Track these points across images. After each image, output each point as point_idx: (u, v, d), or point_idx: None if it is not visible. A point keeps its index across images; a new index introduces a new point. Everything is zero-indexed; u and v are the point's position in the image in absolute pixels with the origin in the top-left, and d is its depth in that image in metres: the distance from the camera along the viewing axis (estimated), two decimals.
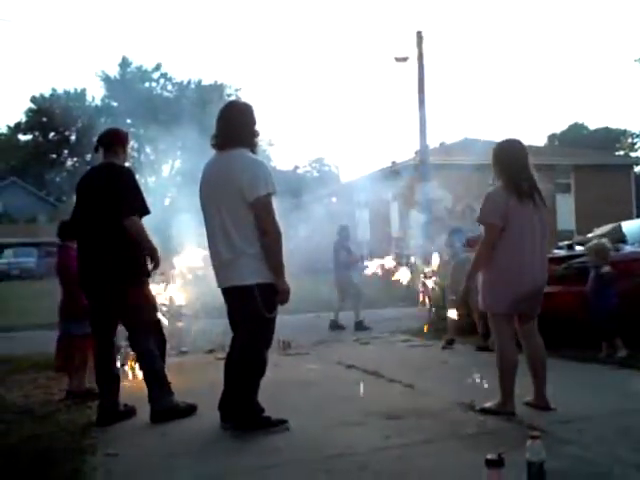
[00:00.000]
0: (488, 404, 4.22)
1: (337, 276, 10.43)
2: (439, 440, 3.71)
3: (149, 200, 4.56)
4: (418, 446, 3.61)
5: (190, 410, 4.48)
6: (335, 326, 10.04)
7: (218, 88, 53.07)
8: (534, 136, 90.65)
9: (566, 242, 8.03)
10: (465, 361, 6.48)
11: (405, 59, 16.75)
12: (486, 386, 4.74)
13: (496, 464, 2.72)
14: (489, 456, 2.75)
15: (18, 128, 55.61)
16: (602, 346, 6.06)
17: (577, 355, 6.04)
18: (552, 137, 54.15)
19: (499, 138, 4.50)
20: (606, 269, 6.11)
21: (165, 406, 4.37)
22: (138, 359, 4.50)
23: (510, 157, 4.27)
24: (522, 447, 2.89)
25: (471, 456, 3.27)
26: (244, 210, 3.90)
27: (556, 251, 7.44)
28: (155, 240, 4.54)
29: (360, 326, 9.84)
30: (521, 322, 4.26)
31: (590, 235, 8.04)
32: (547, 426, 3.76)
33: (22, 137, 55.58)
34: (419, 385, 5.24)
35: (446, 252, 7.96)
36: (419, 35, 16.79)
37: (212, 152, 4.21)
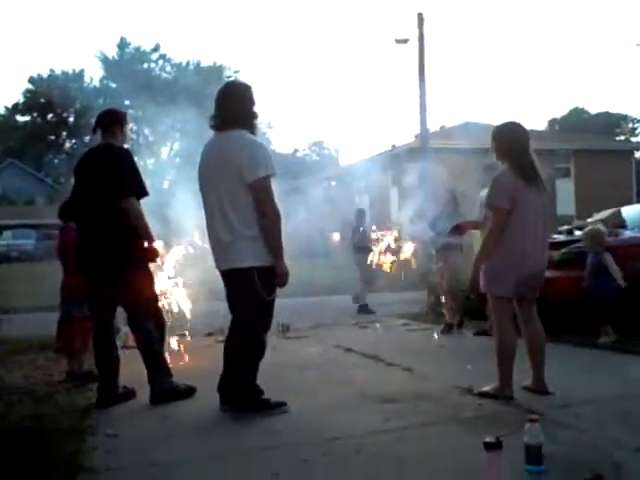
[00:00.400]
0: (486, 388, 4.24)
1: (356, 259, 10.33)
2: (437, 423, 3.72)
3: (148, 182, 4.54)
4: (416, 429, 3.63)
5: (189, 392, 4.50)
6: (365, 310, 9.93)
7: (217, 70, 52.77)
8: (535, 120, 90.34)
9: (565, 227, 8.03)
10: (464, 345, 6.51)
11: (406, 41, 16.63)
12: (485, 370, 4.75)
13: (494, 447, 2.73)
14: (487, 439, 2.76)
15: (16, 109, 55.30)
16: (600, 331, 6.09)
17: (576, 340, 6.06)
18: (552, 122, 53.97)
19: (500, 121, 4.44)
20: (604, 255, 6.13)
21: (164, 388, 4.38)
22: (137, 341, 4.50)
23: (511, 140, 4.23)
24: (520, 430, 2.90)
25: (469, 439, 3.28)
26: (243, 192, 3.88)
27: (555, 236, 7.43)
28: (153, 223, 4.52)
29: (365, 309, 9.84)
30: (521, 306, 4.26)
31: (590, 220, 8.03)
32: (545, 410, 3.77)
33: (20, 118, 55.28)
34: (418, 369, 5.25)
35: (428, 235, 7.88)
36: (420, 17, 16.65)
37: (211, 134, 4.18)
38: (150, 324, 4.46)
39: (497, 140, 4.27)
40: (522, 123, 4.35)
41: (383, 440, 3.45)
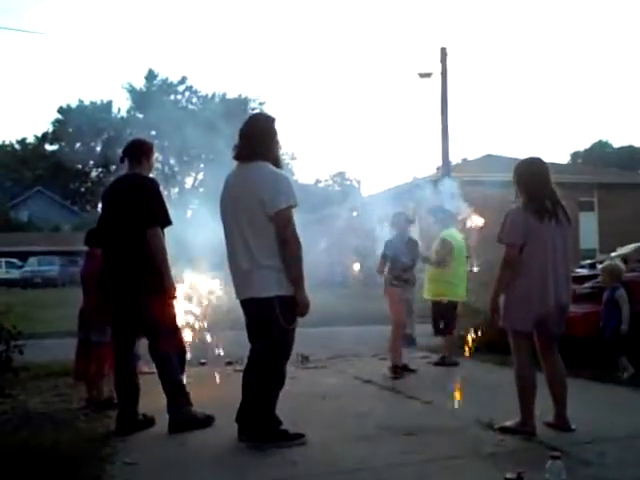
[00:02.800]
0: (508, 423, 4.18)
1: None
2: (457, 457, 3.67)
3: (172, 211, 4.61)
4: (436, 463, 3.59)
5: (208, 421, 4.50)
6: (409, 341, 9.66)
7: (242, 101, 53.61)
8: (557, 154, 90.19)
9: (588, 261, 7.96)
10: (485, 379, 6.43)
11: (429, 75, 16.81)
12: (506, 404, 4.69)
13: None
14: (508, 475, 2.74)
15: (45, 138, 56.62)
16: (618, 366, 6.00)
17: (597, 374, 5.96)
18: (575, 155, 53.81)
19: (522, 155, 4.50)
20: (619, 292, 6.10)
21: (183, 416, 4.39)
22: (158, 369, 4.52)
23: (532, 175, 4.27)
24: (542, 467, 2.86)
25: (490, 475, 3.24)
26: (265, 223, 3.92)
27: (578, 270, 7.37)
28: (174, 252, 4.58)
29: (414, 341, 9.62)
30: (542, 341, 4.22)
31: (613, 254, 7.96)
32: (567, 447, 3.71)
33: (49, 147, 56.57)
34: (437, 402, 5.20)
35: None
36: (443, 51, 16.84)
37: (234, 164, 4.25)
38: (171, 352, 4.49)
39: (517, 174, 4.32)
40: (542, 158, 4.39)
41: (403, 473, 3.41)
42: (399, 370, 6.56)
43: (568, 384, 4.23)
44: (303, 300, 3.94)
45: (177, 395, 4.43)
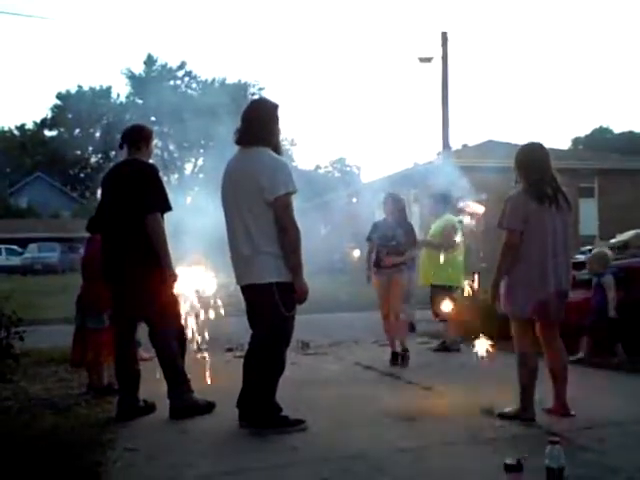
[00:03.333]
0: (507, 409, 4.19)
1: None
2: (457, 443, 3.69)
3: (171, 197, 4.60)
4: (435, 449, 3.60)
5: (209, 407, 4.51)
6: (410, 327, 9.63)
7: (242, 87, 53.36)
8: (558, 139, 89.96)
9: (588, 247, 7.96)
10: (485, 364, 6.44)
11: (429, 59, 16.72)
12: (506, 391, 4.70)
13: (515, 469, 2.71)
14: (508, 461, 2.74)
15: (44, 124, 56.39)
16: (616, 352, 6.03)
17: (595, 361, 5.97)
18: (576, 141, 53.63)
19: (523, 141, 4.48)
20: (606, 278, 6.11)
21: (184, 403, 4.40)
22: (158, 355, 4.53)
23: (532, 160, 4.25)
24: (541, 453, 2.86)
25: (490, 460, 3.25)
26: (264, 209, 3.92)
27: (578, 256, 7.37)
28: (173, 237, 4.56)
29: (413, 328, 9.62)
30: (543, 327, 4.22)
31: (613, 241, 7.95)
32: (567, 432, 3.72)
33: (48, 133, 56.36)
34: (437, 388, 5.22)
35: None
36: (444, 36, 16.75)
37: (235, 150, 4.23)
38: (171, 339, 4.49)
39: (517, 160, 4.31)
40: (543, 143, 4.38)
41: (403, 459, 3.43)
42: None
43: (568, 370, 4.24)
44: (302, 287, 3.94)
45: (178, 381, 4.44)
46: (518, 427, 3.97)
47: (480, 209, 7.88)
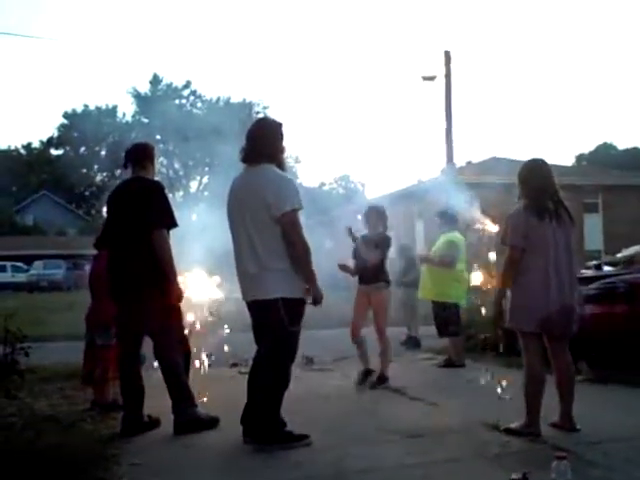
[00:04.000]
0: (513, 424, 4.17)
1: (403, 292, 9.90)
2: (463, 459, 3.67)
3: (177, 215, 4.63)
4: (441, 465, 3.58)
5: (213, 422, 4.50)
6: (415, 343, 9.55)
7: (247, 106, 53.72)
8: (562, 156, 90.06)
9: (594, 262, 7.95)
10: (490, 380, 6.41)
11: (432, 78, 16.81)
12: (511, 406, 4.68)
13: None
14: (514, 475, 2.73)
15: (50, 143, 56.83)
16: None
17: (604, 376, 5.94)
18: (580, 157, 53.71)
19: (527, 157, 4.51)
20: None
21: (188, 418, 4.40)
22: (163, 370, 4.53)
23: (534, 176, 4.29)
24: (547, 468, 2.85)
25: (496, 475, 3.24)
26: (271, 225, 3.95)
27: (584, 271, 7.36)
28: (180, 255, 4.59)
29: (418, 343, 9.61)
30: (550, 341, 4.22)
31: (619, 255, 7.94)
32: (573, 447, 3.70)
33: (54, 151, 56.76)
34: (443, 403, 5.20)
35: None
36: (447, 54, 16.84)
37: (240, 168, 4.28)
38: (176, 354, 4.50)
39: (520, 176, 4.35)
40: (545, 159, 4.41)
41: (408, 475, 3.41)
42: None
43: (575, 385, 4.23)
44: (318, 293, 4.08)
45: (182, 397, 4.44)
46: (524, 442, 3.95)
47: (493, 228, 7.83)
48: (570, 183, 18.62)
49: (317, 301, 4.12)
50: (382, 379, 6.11)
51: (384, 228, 6.29)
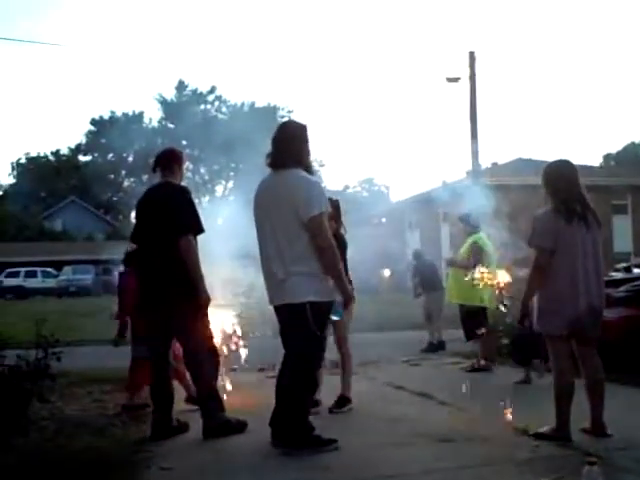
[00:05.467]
0: (543, 429, 4.13)
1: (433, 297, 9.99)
2: (492, 464, 3.64)
3: (203, 219, 4.66)
4: (471, 470, 3.56)
5: (241, 427, 4.53)
6: (435, 348, 9.56)
7: (271, 110, 53.97)
8: (589, 156, 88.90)
9: (623, 264, 7.83)
10: (519, 385, 6.35)
11: (457, 79, 16.74)
12: (540, 410, 4.64)
13: None
14: None
15: (78, 149, 57.64)
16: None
17: (637, 380, 5.84)
18: (607, 157, 52.92)
19: (553, 158, 4.48)
20: None
21: (218, 422, 4.43)
22: (192, 375, 4.57)
23: (560, 178, 4.25)
24: (578, 474, 2.83)
25: None
26: (298, 228, 3.96)
27: (613, 274, 7.26)
28: (204, 259, 4.63)
29: (442, 346, 9.59)
30: (579, 344, 4.17)
31: None
32: (604, 453, 3.66)
33: (82, 158, 57.54)
34: (471, 408, 5.16)
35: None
36: (472, 55, 16.75)
37: (265, 172, 4.30)
38: (205, 359, 4.54)
39: (545, 178, 4.32)
40: (571, 161, 4.38)
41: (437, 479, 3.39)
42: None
43: (606, 389, 4.17)
44: (348, 294, 4.13)
45: (211, 401, 4.47)
46: (554, 447, 3.91)
47: (505, 277, 6.80)
48: (598, 184, 18.41)
49: (347, 303, 4.18)
50: (342, 401, 5.23)
51: (338, 225, 5.45)
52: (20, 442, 4.26)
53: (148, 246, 4.61)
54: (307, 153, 4.23)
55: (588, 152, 67.77)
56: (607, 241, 9.80)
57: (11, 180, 55.25)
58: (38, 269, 34.14)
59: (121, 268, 5.81)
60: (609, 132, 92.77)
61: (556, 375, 4.13)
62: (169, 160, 4.81)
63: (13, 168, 57.55)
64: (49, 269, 34.50)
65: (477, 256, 7.21)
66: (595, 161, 51.51)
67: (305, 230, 3.95)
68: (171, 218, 4.47)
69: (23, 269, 33.28)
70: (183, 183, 4.91)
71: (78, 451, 4.15)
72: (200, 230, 4.57)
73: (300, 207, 3.94)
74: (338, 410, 5.15)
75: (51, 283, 33.00)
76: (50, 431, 4.81)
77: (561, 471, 3.18)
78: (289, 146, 4.14)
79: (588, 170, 21.97)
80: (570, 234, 4.08)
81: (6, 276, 32.55)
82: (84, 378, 7.15)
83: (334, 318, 4.26)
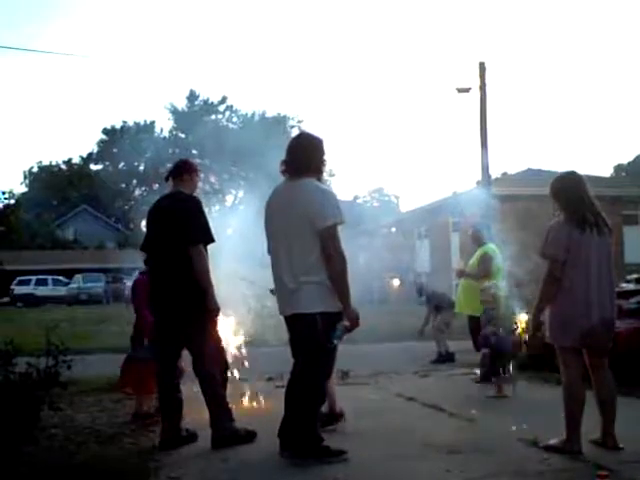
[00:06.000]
0: (553, 441, 4.10)
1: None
2: (502, 476, 3.62)
3: (213, 228, 4.68)
4: None
5: (250, 436, 4.52)
6: (443, 360, 9.45)
7: (281, 120, 54.19)
8: (600, 167, 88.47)
9: (635, 276, 7.78)
10: (529, 396, 6.32)
11: (467, 90, 16.72)
12: (551, 422, 4.61)
13: None
14: None
15: (90, 158, 58.10)
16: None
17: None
18: (618, 168, 52.69)
19: (563, 169, 4.48)
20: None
21: (226, 432, 4.42)
22: (201, 384, 4.57)
23: (568, 189, 4.26)
24: None
25: None
26: (311, 238, 3.96)
27: (624, 285, 7.21)
28: (215, 269, 4.64)
29: (451, 357, 9.55)
30: (590, 356, 4.15)
31: None
32: (616, 466, 3.62)
33: (93, 167, 58.00)
34: (481, 419, 5.13)
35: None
36: (482, 66, 16.74)
37: (276, 182, 4.32)
38: (214, 368, 4.54)
39: (553, 190, 4.32)
40: (577, 171, 4.39)
41: None
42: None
43: (618, 402, 4.14)
44: (351, 315, 3.98)
45: (220, 411, 4.47)
46: (564, 459, 3.88)
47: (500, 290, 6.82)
48: (609, 194, 18.32)
49: (351, 323, 3.99)
50: (330, 418, 4.81)
51: None
52: (30, 450, 4.28)
53: (158, 255, 4.63)
54: (322, 164, 4.25)
55: (599, 163, 67.73)
56: (618, 252, 9.75)
57: (23, 188, 55.74)
58: (49, 277, 34.34)
59: (136, 274, 5.81)
60: (620, 143, 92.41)
61: (567, 387, 4.11)
62: (182, 170, 4.84)
63: (25, 176, 58.14)
64: (60, 277, 34.70)
65: (487, 267, 7.20)
66: (606, 172, 51.31)
67: (318, 240, 3.95)
68: (181, 228, 4.49)
69: (34, 277, 33.47)
70: (195, 194, 4.92)
71: (87, 459, 4.16)
72: (210, 240, 4.59)
73: (314, 217, 3.94)
74: (327, 427, 4.57)
75: (62, 291, 33.21)
76: (60, 439, 4.82)
77: None
78: (306, 155, 4.16)
79: (599, 181, 21.89)
80: (584, 244, 4.06)
81: (17, 284, 32.74)
82: (94, 386, 7.16)
83: (334, 342, 3.99)
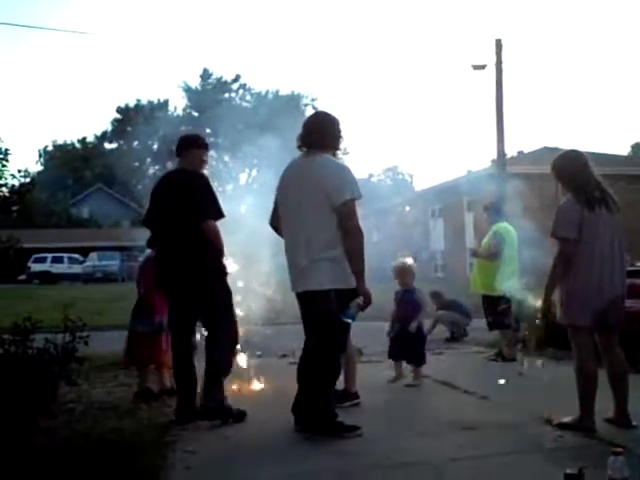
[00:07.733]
0: (566, 419, 4.10)
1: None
2: (515, 453, 3.63)
3: (227, 207, 4.66)
4: (494, 458, 3.56)
5: (240, 416, 4.49)
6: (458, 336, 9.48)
7: (295, 98, 53.86)
8: (617, 145, 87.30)
9: None
10: (543, 374, 6.31)
11: (483, 67, 16.51)
12: (564, 400, 4.60)
13: (576, 479, 2.65)
14: (568, 470, 2.69)
15: (104, 137, 58.23)
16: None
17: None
18: (636, 146, 51.99)
19: (580, 147, 4.42)
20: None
21: (218, 405, 4.39)
22: (207, 353, 4.53)
23: (572, 168, 4.22)
24: (602, 464, 2.80)
25: (549, 470, 3.20)
26: (328, 214, 3.96)
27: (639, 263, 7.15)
28: (230, 245, 4.64)
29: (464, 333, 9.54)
30: (601, 335, 4.13)
31: None
32: (629, 444, 3.61)
33: (108, 145, 58.12)
34: (494, 397, 5.14)
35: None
36: (498, 43, 16.51)
37: (288, 160, 4.30)
38: (226, 341, 4.55)
39: (556, 171, 4.28)
40: (578, 149, 4.36)
41: (460, 468, 3.40)
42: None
43: (631, 380, 4.12)
44: (365, 291, 3.97)
45: (216, 382, 4.43)
46: (578, 437, 3.88)
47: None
48: (626, 173, 18.11)
49: (365, 300, 3.96)
50: (345, 395, 4.79)
51: None
52: (48, 424, 4.34)
53: (164, 231, 4.60)
54: (339, 141, 4.24)
55: (616, 141, 66.73)
56: (636, 230, 9.64)
57: (39, 167, 56.02)
58: (65, 255, 34.61)
59: (148, 252, 5.82)
60: (637, 120, 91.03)
61: (578, 366, 4.09)
62: (185, 146, 4.73)
63: (40, 155, 58.42)
64: (75, 255, 34.97)
65: (497, 245, 7.16)
66: (623, 150, 50.67)
67: (334, 215, 3.94)
68: (190, 204, 4.44)
69: (50, 255, 33.75)
70: (205, 171, 4.86)
71: (104, 433, 4.22)
72: (220, 215, 4.55)
73: (333, 192, 3.93)
74: (341, 405, 4.57)
75: (77, 269, 33.50)
76: (77, 413, 4.89)
77: (585, 461, 3.14)
78: (322, 131, 4.16)
79: (616, 159, 21.62)
80: (594, 222, 4.03)
81: (33, 261, 33.02)
82: (110, 362, 7.24)
83: (348, 321, 3.98)
